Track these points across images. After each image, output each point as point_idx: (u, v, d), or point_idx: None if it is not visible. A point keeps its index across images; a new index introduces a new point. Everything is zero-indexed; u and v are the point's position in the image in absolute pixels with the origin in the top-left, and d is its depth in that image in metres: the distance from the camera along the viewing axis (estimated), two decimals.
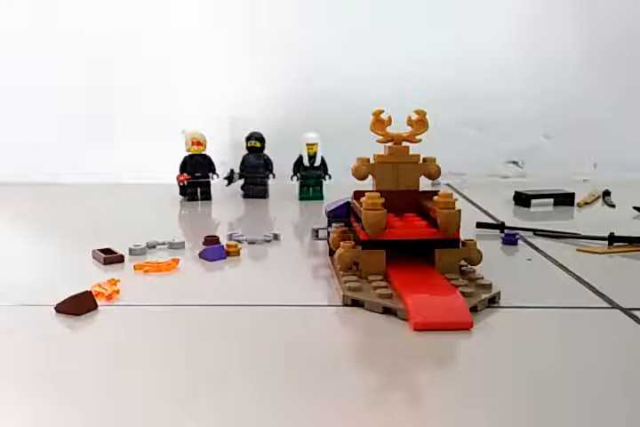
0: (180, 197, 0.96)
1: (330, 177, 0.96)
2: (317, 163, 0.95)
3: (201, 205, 0.93)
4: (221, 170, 0.97)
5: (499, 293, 0.49)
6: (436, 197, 0.52)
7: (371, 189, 0.57)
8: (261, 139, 0.96)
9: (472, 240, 0.54)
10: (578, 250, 0.66)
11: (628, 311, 0.47)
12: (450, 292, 0.47)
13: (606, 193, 0.97)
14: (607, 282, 0.54)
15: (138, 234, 0.68)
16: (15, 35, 1.11)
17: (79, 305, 0.46)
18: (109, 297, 0.50)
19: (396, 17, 1.11)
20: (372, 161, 0.57)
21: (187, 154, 0.94)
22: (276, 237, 0.70)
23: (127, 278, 0.54)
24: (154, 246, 0.65)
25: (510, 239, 0.68)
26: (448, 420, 0.32)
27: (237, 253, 0.63)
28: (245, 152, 0.97)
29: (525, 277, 0.56)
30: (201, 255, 0.62)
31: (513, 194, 0.93)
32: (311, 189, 0.96)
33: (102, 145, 1.13)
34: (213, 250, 0.62)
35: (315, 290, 0.53)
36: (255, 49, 1.12)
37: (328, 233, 0.61)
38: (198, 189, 0.95)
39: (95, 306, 0.47)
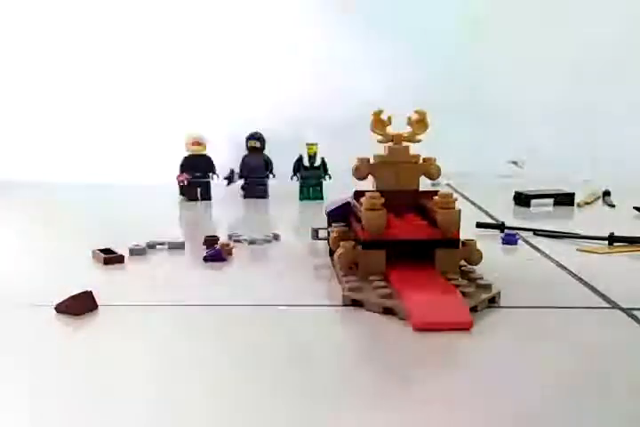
0: (180, 197, 0.96)
1: (330, 177, 0.96)
2: (317, 163, 0.95)
3: (201, 205, 0.93)
4: (221, 170, 0.97)
5: (499, 293, 0.49)
6: (435, 197, 0.52)
7: (371, 189, 0.57)
8: (261, 139, 0.96)
9: (472, 240, 0.54)
10: (578, 250, 0.66)
11: (627, 311, 0.47)
12: (450, 292, 0.47)
13: (606, 193, 0.97)
14: (607, 282, 0.54)
15: (138, 234, 0.68)
16: (15, 35, 1.11)
17: (79, 305, 0.46)
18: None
19: (396, 17, 1.11)
20: (372, 161, 0.57)
21: (187, 154, 0.94)
22: (275, 237, 0.70)
23: (127, 278, 0.54)
24: (154, 246, 0.65)
25: (510, 239, 0.68)
26: (448, 420, 0.32)
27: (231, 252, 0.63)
28: (245, 152, 0.97)
29: (525, 277, 0.56)
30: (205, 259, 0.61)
31: (513, 194, 0.93)
32: (311, 189, 0.96)
33: (102, 145, 1.13)
34: (212, 254, 0.61)
35: (315, 290, 0.53)
36: (255, 49, 1.12)
37: (328, 233, 0.61)
38: (198, 189, 0.95)
39: (95, 306, 0.47)
